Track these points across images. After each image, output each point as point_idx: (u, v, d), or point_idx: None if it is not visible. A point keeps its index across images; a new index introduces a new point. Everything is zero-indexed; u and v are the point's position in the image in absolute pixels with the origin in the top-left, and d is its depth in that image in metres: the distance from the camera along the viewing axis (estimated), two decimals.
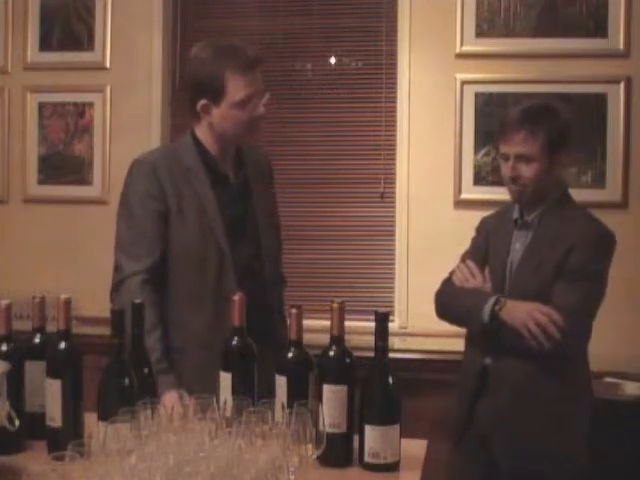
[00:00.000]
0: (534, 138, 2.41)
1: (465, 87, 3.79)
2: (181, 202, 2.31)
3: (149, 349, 2.08)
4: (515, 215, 2.53)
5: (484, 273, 2.51)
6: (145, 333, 2.03)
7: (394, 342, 3.44)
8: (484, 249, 2.59)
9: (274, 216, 2.56)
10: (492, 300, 2.39)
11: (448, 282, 2.59)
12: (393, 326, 3.68)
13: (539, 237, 2.47)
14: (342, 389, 1.82)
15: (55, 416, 1.82)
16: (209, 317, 2.28)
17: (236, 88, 2.27)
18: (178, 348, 2.27)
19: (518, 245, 2.50)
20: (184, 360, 2.26)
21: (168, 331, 2.26)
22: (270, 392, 1.85)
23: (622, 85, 3.67)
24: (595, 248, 2.42)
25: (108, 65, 4.09)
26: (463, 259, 2.61)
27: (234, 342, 1.94)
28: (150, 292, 2.23)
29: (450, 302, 2.56)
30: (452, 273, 2.60)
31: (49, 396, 1.83)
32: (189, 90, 2.36)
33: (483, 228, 2.68)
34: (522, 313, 2.33)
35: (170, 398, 1.98)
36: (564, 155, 2.46)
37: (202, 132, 2.37)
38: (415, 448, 1.92)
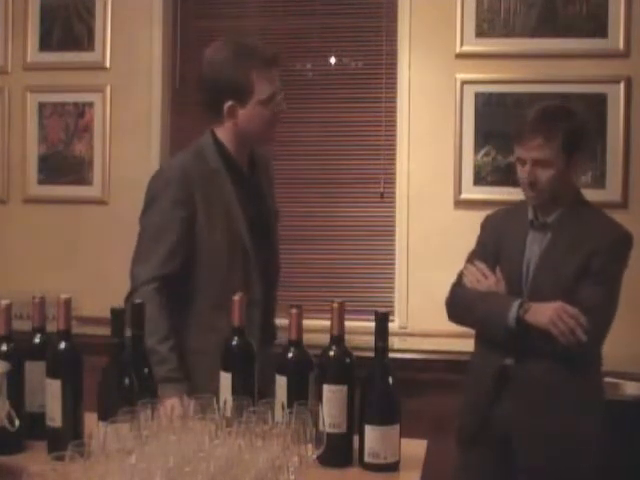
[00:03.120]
0: (550, 143, 2.39)
1: (465, 87, 3.79)
2: (209, 206, 2.30)
3: (162, 358, 2.12)
4: (530, 216, 2.51)
5: (496, 273, 2.50)
6: (157, 342, 2.08)
7: (394, 342, 3.44)
8: (493, 248, 2.56)
9: (277, 216, 2.57)
10: (516, 305, 2.38)
11: (460, 286, 2.56)
12: (393, 326, 3.68)
13: (558, 239, 2.45)
14: (342, 389, 1.82)
15: (55, 416, 1.82)
16: None
17: (262, 86, 2.30)
18: (201, 350, 2.27)
19: (536, 246, 2.48)
20: (205, 362, 2.22)
21: (194, 334, 2.29)
22: (266, 392, 1.85)
23: (622, 85, 3.67)
24: (617, 251, 2.42)
25: (108, 65, 4.09)
26: (470, 259, 2.59)
27: (234, 342, 1.94)
28: (162, 300, 2.23)
29: (467, 308, 2.53)
30: (460, 275, 2.58)
31: (49, 396, 1.83)
32: (210, 92, 2.35)
33: (490, 226, 2.65)
34: (549, 312, 2.33)
35: (172, 403, 1.98)
36: (580, 158, 2.46)
37: (224, 133, 2.38)
38: (415, 448, 1.92)
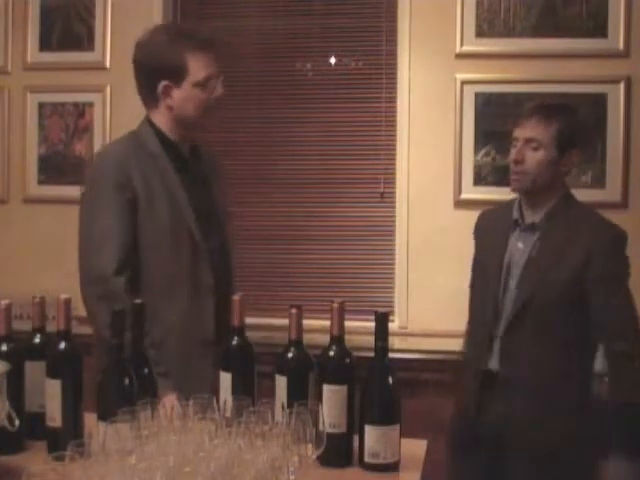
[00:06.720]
0: (547, 125, 2.41)
1: (465, 87, 3.79)
2: (149, 189, 2.27)
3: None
4: (515, 215, 2.50)
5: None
6: None
7: (394, 342, 3.43)
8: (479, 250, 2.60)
9: (228, 212, 2.53)
10: None
11: None
12: (393, 326, 3.67)
13: (549, 238, 2.43)
14: (342, 389, 1.82)
15: (55, 416, 1.82)
16: (184, 306, 2.25)
17: (197, 67, 2.29)
18: (156, 341, 2.18)
19: (522, 245, 2.46)
20: (163, 352, 2.18)
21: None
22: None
23: (622, 85, 3.67)
24: (617, 252, 2.41)
25: (108, 65, 4.09)
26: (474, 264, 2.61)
27: (234, 342, 1.94)
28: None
29: None
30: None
31: (49, 396, 1.83)
32: (145, 74, 2.36)
33: (478, 228, 2.68)
34: None
35: (170, 401, 1.98)
36: (575, 154, 2.45)
37: (160, 118, 2.37)
38: (415, 448, 1.92)
